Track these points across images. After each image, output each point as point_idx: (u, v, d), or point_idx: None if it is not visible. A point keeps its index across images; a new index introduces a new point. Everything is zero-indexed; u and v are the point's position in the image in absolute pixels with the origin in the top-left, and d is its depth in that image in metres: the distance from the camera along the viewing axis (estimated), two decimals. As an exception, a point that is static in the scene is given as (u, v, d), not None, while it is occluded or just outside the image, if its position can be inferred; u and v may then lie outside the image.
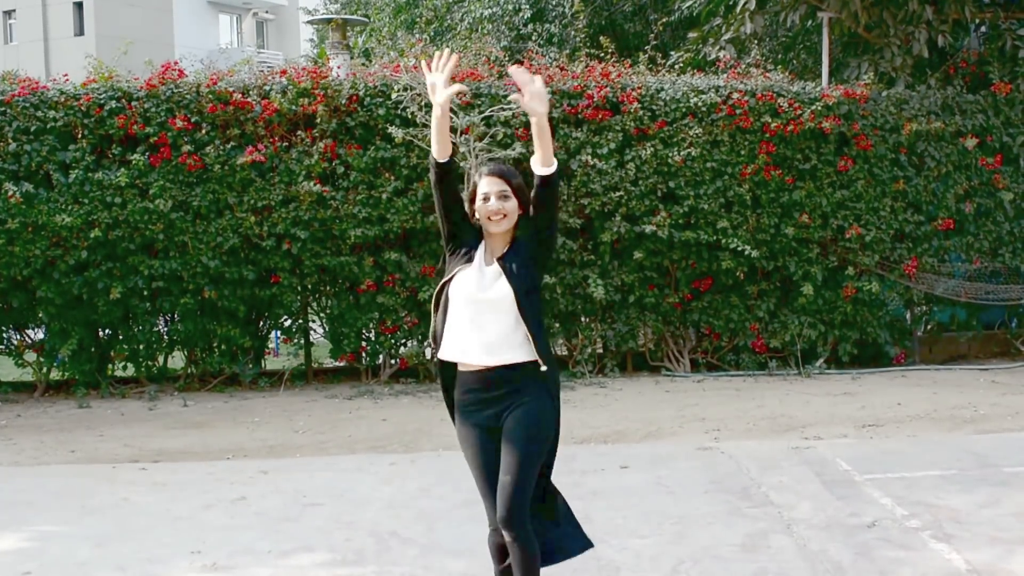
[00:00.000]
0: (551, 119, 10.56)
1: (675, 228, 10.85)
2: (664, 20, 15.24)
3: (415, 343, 10.94)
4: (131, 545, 5.72)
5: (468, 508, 5.96)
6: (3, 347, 10.92)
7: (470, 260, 4.08)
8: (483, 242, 4.13)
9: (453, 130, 10.22)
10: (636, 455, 7.59)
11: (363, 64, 12.55)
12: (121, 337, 10.81)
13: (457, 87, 4.02)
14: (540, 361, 4.02)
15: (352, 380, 11.17)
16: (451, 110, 10.17)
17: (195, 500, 6.63)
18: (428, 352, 10.99)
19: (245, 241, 10.50)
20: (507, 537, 3.98)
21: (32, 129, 10.19)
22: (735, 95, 10.88)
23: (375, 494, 6.66)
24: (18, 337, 11.01)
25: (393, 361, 11.11)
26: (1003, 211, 11.80)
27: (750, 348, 11.27)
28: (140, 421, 9.38)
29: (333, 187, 10.53)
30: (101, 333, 10.91)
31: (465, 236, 4.14)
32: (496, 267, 4.05)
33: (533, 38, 16.75)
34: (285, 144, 10.51)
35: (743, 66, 11.64)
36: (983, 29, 12.93)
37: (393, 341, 11.00)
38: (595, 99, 10.72)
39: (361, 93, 10.61)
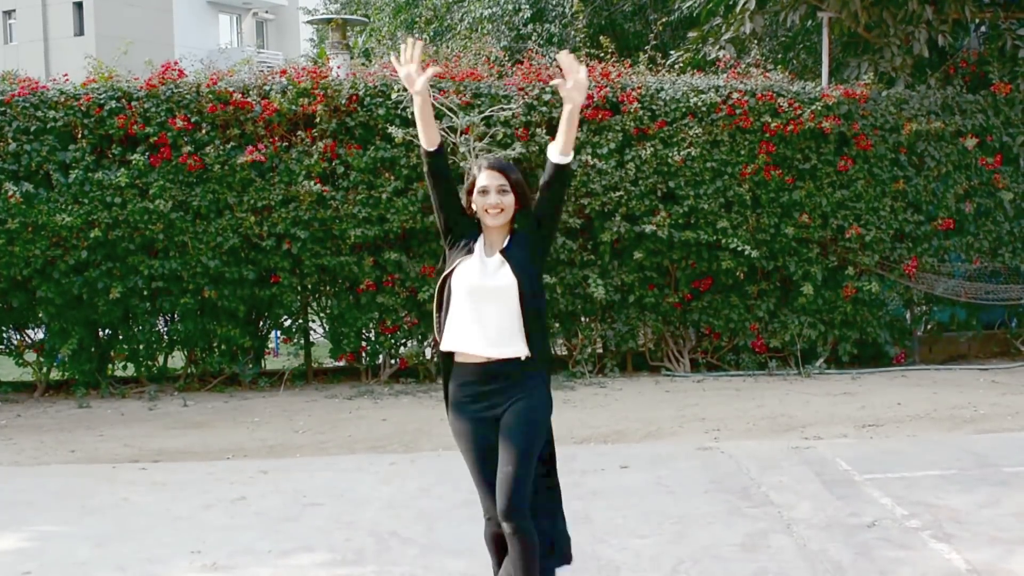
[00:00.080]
0: (551, 119, 10.70)
1: (675, 228, 10.86)
2: (664, 20, 15.26)
3: (415, 343, 10.95)
4: (131, 545, 5.72)
5: (468, 508, 5.95)
6: (3, 347, 10.92)
7: (470, 252, 4.09)
8: (482, 235, 4.14)
9: (453, 130, 10.23)
10: (636, 455, 7.60)
11: (363, 64, 12.56)
12: (121, 337, 10.80)
13: (431, 70, 4.07)
14: (538, 356, 4.04)
15: (352, 380, 11.17)
16: (451, 110, 10.28)
17: (195, 500, 6.63)
18: (428, 352, 11.00)
19: (245, 241, 10.50)
20: (508, 529, 3.97)
21: (32, 129, 10.19)
22: (735, 95, 10.88)
23: (375, 494, 6.66)
24: (18, 337, 11.00)
25: (393, 361, 11.11)
26: (1003, 211, 11.79)
27: (750, 348, 11.27)
28: (140, 421, 9.39)
29: (333, 187, 10.53)
30: (101, 333, 10.90)
31: (463, 228, 4.15)
32: (498, 257, 4.06)
33: (533, 38, 16.77)
34: (285, 144, 10.51)
35: (743, 66, 11.64)
36: (983, 29, 12.92)
37: (393, 341, 11.00)
38: (595, 99, 10.71)
39: (361, 93, 10.61)
